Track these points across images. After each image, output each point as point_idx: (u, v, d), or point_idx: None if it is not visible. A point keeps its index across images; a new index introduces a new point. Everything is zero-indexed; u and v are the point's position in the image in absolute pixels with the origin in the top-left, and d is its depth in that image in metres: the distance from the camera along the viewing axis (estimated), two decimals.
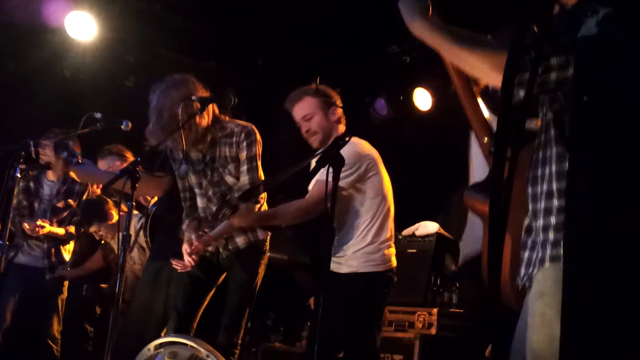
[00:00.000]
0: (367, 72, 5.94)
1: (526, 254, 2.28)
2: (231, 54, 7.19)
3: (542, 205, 2.19)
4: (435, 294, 6.01)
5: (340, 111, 4.46)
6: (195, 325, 4.43)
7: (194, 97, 4.26)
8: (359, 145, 4.32)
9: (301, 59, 7.04)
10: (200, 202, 4.48)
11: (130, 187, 3.95)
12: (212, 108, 4.37)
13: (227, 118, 4.45)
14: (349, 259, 4.22)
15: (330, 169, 3.21)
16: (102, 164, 5.77)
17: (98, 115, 5.11)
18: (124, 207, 5.73)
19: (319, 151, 4.37)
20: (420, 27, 2.50)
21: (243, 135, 4.37)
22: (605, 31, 2.03)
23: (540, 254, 2.19)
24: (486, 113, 2.98)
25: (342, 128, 4.46)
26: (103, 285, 6.13)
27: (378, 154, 4.39)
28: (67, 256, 6.18)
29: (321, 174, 4.21)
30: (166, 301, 4.56)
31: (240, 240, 4.39)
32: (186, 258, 4.24)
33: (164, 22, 6.88)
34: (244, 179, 4.35)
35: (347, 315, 4.14)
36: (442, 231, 5.83)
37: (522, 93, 2.01)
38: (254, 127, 4.44)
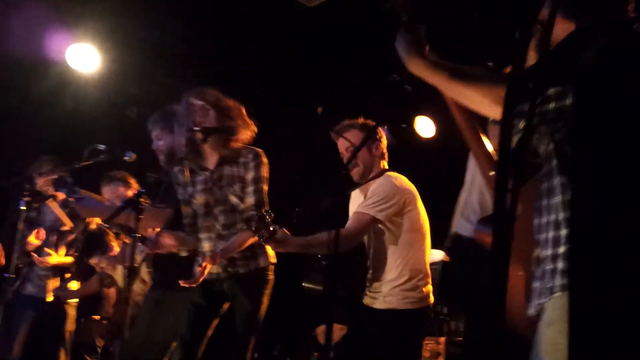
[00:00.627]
0: (369, 101, 5.95)
1: (537, 284, 2.28)
2: (233, 81, 7.20)
3: (550, 235, 2.20)
4: (442, 322, 5.98)
5: (383, 147, 4.50)
6: (200, 355, 4.41)
7: (196, 128, 4.28)
8: (397, 180, 4.37)
9: (303, 86, 7.07)
10: (205, 221, 4.47)
11: (134, 219, 3.96)
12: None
13: (236, 140, 4.46)
14: (386, 295, 4.25)
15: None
16: (106, 190, 5.75)
17: (101, 147, 5.12)
18: (125, 239, 5.74)
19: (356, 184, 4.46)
20: (418, 66, 2.54)
21: (251, 156, 4.40)
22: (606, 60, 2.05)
23: (550, 283, 2.20)
24: (490, 147, 2.99)
25: (384, 163, 4.51)
26: (95, 317, 6.11)
27: (416, 190, 4.43)
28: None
29: (364, 207, 4.24)
30: (166, 329, 4.55)
31: (240, 265, 4.39)
32: (198, 270, 4.23)
33: (165, 52, 6.91)
34: (249, 200, 4.36)
35: (385, 351, 4.17)
36: (447, 259, 5.79)
37: (521, 124, 1.97)
38: (261, 151, 4.46)
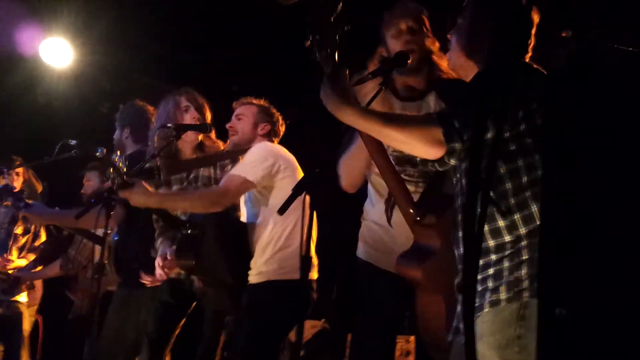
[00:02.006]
0: None
1: (461, 308, 2.37)
2: (206, 79, 7.17)
3: (480, 262, 2.30)
4: (413, 321, 5.99)
5: (276, 131, 4.38)
6: (167, 352, 4.41)
7: (170, 125, 4.28)
8: (275, 147, 4.25)
9: (275, 87, 7.03)
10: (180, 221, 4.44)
11: (103, 217, 3.96)
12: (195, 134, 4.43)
13: (213, 139, 4.50)
14: (261, 265, 4.06)
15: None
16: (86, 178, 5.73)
17: (73, 142, 5.09)
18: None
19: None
20: (350, 114, 2.59)
21: (228, 160, 4.43)
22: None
23: (478, 302, 2.31)
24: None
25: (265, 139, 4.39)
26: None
27: (295, 161, 4.26)
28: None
29: (235, 169, 4.14)
30: (137, 327, 4.51)
31: None
32: (158, 271, 4.20)
33: (139, 48, 6.87)
34: None
35: (254, 323, 3.95)
36: None
37: (453, 161, 2.34)
38: (240, 157, 4.45)
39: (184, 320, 4.45)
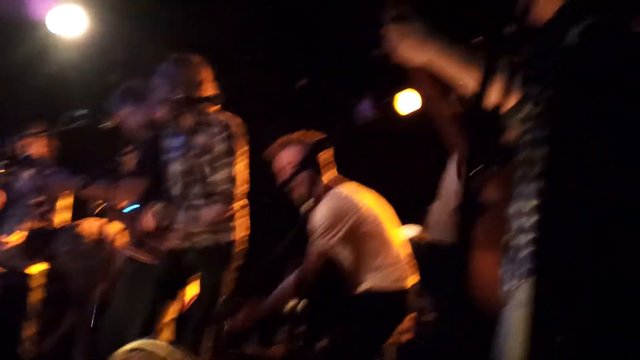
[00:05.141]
0: (350, 76, 5.93)
1: (507, 268, 2.26)
2: (220, 48, 7.13)
3: (527, 222, 2.15)
4: None
5: (325, 158, 4.38)
6: (170, 324, 4.41)
7: (181, 95, 4.21)
8: (341, 199, 4.31)
9: (290, 56, 6.99)
10: (178, 189, 4.41)
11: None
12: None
13: (212, 107, 4.38)
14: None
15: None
16: None
17: (83, 111, 5.08)
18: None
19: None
20: (434, 50, 2.41)
21: (221, 126, 4.29)
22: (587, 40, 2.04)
23: (522, 268, 2.17)
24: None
25: (328, 176, 4.41)
26: None
27: (371, 196, 4.34)
28: None
29: (313, 242, 4.17)
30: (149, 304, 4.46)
31: (205, 237, 4.30)
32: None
33: (151, 17, 6.83)
34: (219, 173, 4.27)
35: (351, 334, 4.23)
36: (422, 236, 5.69)
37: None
38: (236, 121, 4.36)
39: (180, 293, 4.44)
